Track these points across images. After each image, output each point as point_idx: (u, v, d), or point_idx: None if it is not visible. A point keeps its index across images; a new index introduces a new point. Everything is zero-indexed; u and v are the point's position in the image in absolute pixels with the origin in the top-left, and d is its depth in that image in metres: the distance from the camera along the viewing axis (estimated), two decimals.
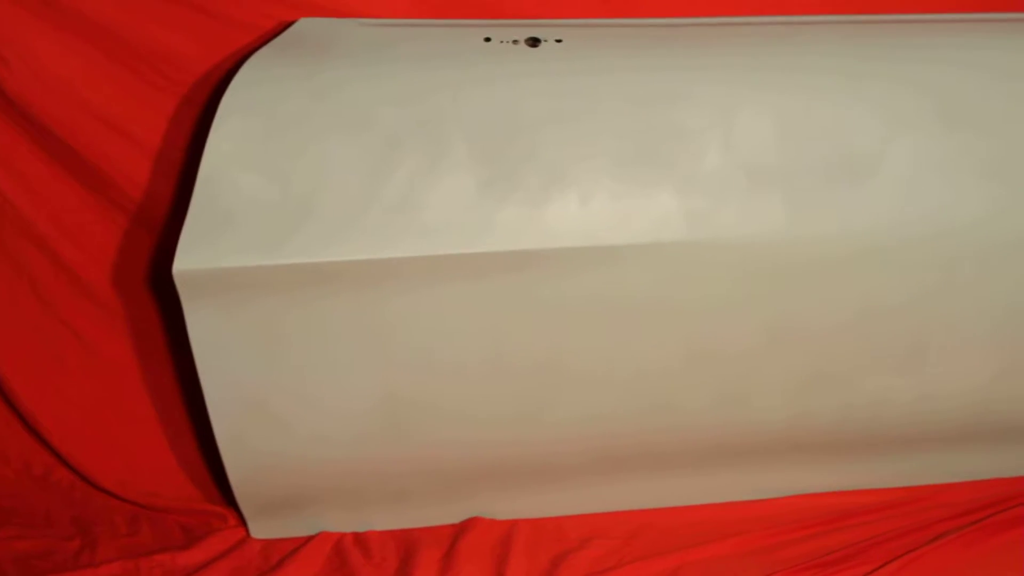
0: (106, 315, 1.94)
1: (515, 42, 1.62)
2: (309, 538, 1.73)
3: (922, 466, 1.82)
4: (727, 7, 1.79)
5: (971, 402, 1.72)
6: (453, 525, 1.76)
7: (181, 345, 1.67)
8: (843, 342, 1.62)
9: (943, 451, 1.80)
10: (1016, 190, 1.56)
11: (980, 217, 1.55)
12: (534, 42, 1.62)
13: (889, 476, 1.82)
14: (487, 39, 1.63)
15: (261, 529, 1.75)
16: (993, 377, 1.70)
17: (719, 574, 1.63)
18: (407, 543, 1.72)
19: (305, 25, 1.68)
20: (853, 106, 1.57)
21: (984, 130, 1.57)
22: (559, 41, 1.63)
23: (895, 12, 1.78)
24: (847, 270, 1.56)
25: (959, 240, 1.56)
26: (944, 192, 1.55)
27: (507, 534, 1.72)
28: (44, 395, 1.91)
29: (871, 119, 1.56)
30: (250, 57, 1.56)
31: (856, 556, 1.63)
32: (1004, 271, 1.60)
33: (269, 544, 1.74)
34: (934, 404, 1.71)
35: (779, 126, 1.54)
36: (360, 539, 1.74)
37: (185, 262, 1.40)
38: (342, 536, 1.74)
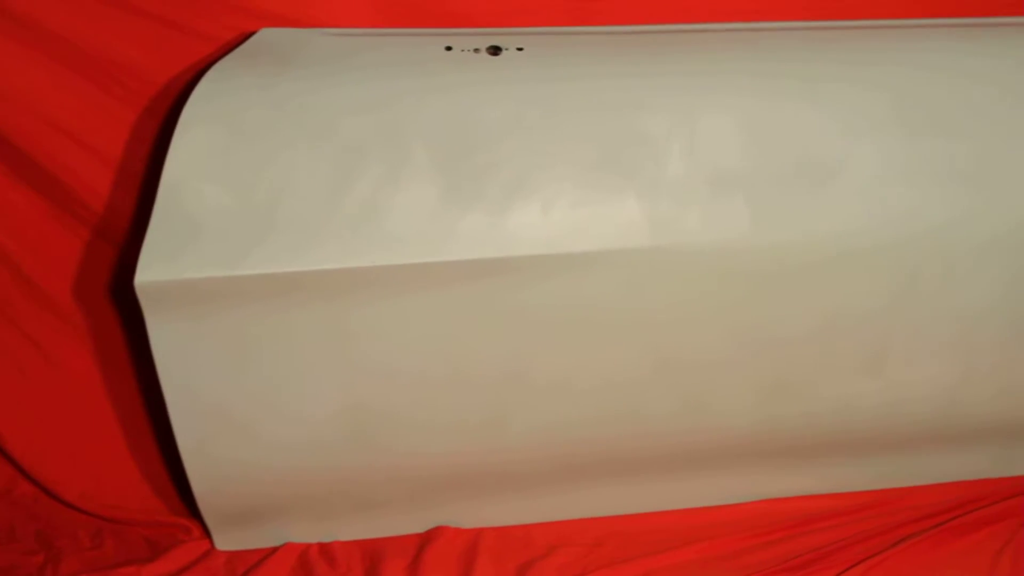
0: (68, 327, 1.92)
1: (476, 51, 1.62)
2: (274, 549, 1.72)
3: (888, 470, 1.83)
4: (691, 14, 1.79)
5: (936, 406, 1.73)
6: (419, 534, 1.75)
7: (144, 357, 1.66)
8: (808, 347, 1.62)
9: (908, 455, 1.81)
10: (980, 194, 1.57)
11: (944, 221, 1.56)
12: (495, 50, 1.62)
13: (855, 480, 1.83)
14: (448, 48, 1.63)
15: (226, 541, 1.74)
16: (957, 381, 1.70)
17: None
18: (372, 553, 1.71)
19: (266, 35, 1.67)
20: (816, 111, 1.58)
21: (947, 134, 1.58)
22: (520, 49, 1.63)
23: (862, 18, 1.80)
24: (811, 275, 1.56)
25: (923, 244, 1.56)
26: (908, 196, 1.55)
27: (473, 542, 1.72)
28: (6, 408, 1.88)
29: (834, 124, 1.57)
30: (211, 67, 1.55)
31: (822, 560, 1.64)
32: (968, 275, 1.60)
33: (234, 556, 1.73)
34: (899, 408, 1.72)
35: (742, 131, 1.54)
36: (325, 549, 1.73)
37: (147, 274, 1.38)
38: (307, 547, 1.73)
